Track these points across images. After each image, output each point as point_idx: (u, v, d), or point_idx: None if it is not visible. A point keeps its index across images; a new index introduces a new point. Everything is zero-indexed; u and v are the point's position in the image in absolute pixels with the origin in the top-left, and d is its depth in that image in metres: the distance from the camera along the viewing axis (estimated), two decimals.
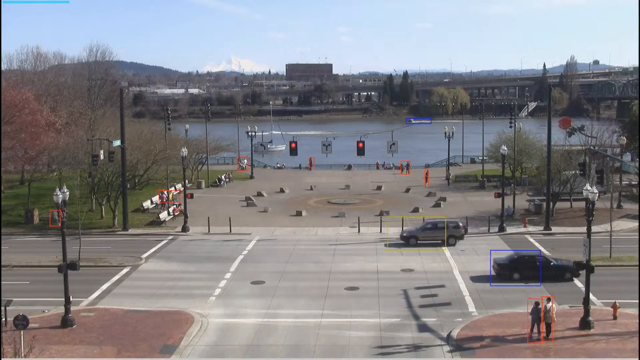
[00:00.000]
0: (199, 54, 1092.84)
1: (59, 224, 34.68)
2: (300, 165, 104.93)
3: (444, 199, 70.81)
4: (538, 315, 30.85)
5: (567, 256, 44.56)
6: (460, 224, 52.51)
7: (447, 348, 30.30)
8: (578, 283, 39.55)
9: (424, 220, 55.64)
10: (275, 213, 65.64)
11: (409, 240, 51.41)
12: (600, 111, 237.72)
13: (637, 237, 46.78)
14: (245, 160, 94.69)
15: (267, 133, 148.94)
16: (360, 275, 42.79)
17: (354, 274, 43.10)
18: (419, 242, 51.10)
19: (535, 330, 30.89)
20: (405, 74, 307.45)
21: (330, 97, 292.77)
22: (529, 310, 31.43)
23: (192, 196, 63.22)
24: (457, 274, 42.85)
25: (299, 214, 64.41)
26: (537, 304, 31.07)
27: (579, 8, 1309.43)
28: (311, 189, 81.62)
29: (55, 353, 29.77)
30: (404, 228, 54.47)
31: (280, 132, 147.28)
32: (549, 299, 31.63)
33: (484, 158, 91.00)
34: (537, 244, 50.85)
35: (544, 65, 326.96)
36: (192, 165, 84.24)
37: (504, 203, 56.78)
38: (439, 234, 51.13)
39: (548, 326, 30.89)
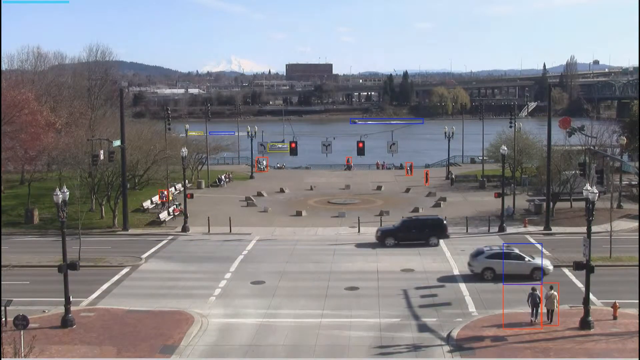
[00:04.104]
0: (199, 54, 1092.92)
1: None
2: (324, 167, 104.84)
3: (444, 199, 70.81)
4: (535, 301, 32.47)
5: (567, 256, 44.58)
6: None
7: (447, 348, 30.31)
8: (578, 283, 39.56)
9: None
10: (275, 213, 65.64)
11: None
12: (600, 111, 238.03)
13: (637, 237, 46.77)
14: (265, 162, 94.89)
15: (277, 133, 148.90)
16: (360, 275, 42.78)
17: (354, 274, 43.09)
18: None
19: (534, 315, 32.63)
20: (405, 74, 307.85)
21: (330, 97, 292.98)
22: (528, 295, 33.16)
23: (192, 196, 63.21)
24: (457, 274, 42.85)
25: (299, 214, 64.40)
26: (533, 289, 32.75)
27: (579, 8, 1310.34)
28: (311, 189, 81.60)
29: (55, 353, 29.75)
30: None
31: (293, 133, 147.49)
32: (551, 287, 33.29)
33: (484, 158, 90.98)
34: (537, 244, 50.80)
35: (544, 65, 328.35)
36: (192, 165, 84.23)
37: (504, 203, 56.77)
38: None
39: (551, 312, 32.56)
